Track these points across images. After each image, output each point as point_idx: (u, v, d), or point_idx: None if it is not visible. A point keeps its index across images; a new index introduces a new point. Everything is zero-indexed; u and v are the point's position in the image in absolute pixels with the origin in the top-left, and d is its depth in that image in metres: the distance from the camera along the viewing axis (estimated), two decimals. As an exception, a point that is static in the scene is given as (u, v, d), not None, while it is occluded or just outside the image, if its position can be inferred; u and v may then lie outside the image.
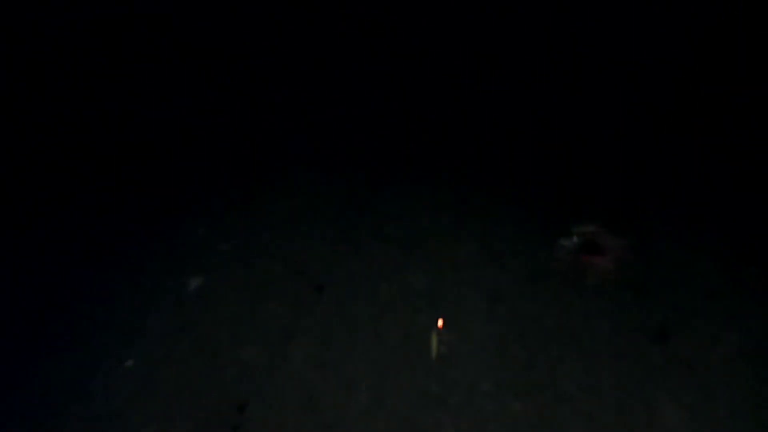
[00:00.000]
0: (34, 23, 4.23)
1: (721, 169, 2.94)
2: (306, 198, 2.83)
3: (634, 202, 2.54)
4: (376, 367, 1.90)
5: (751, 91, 3.44)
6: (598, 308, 1.99)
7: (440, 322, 1.91)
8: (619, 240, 2.17)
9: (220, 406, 1.81)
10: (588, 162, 3.01)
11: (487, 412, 1.75)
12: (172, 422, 1.77)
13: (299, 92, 3.88)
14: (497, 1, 4.18)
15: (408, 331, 1.98)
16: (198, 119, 3.74)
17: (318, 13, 4.28)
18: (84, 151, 3.53)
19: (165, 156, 3.45)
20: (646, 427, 1.68)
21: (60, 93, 3.94)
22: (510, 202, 2.50)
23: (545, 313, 1.99)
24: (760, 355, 1.84)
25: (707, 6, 3.90)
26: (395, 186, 2.84)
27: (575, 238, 2.17)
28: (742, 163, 3.06)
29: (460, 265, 2.19)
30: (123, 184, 3.25)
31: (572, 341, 1.91)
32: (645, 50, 3.83)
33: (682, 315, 1.94)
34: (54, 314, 2.17)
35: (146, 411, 1.82)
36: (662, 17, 3.95)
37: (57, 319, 2.15)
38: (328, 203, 2.71)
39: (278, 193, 2.93)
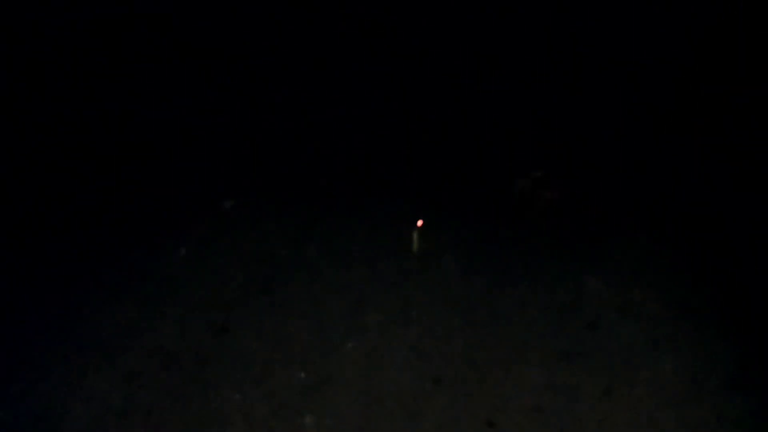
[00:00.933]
0: (34, 23, 4.24)
1: (720, 169, 3.15)
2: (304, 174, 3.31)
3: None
4: (370, 254, 2.69)
5: (751, 91, 3.45)
6: (544, 225, 2.79)
7: (419, 222, 2.63)
8: (562, 183, 2.95)
9: (254, 278, 2.58)
10: (587, 162, 3.19)
11: (452, 276, 2.58)
12: (219, 290, 2.52)
13: (299, 92, 3.91)
14: (497, 2, 4.20)
15: (396, 244, 2.72)
16: (198, 119, 3.76)
17: (318, 14, 4.30)
18: (84, 151, 3.54)
19: (165, 156, 3.48)
20: (573, 293, 2.49)
21: (60, 93, 3.96)
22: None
23: (506, 226, 2.79)
24: (663, 248, 2.67)
25: (707, 6, 3.92)
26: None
27: (529, 180, 2.94)
28: (741, 162, 3.08)
29: (445, 206, 2.95)
30: (123, 184, 3.28)
31: (523, 244, 2.70)
32: (645, 50, 3.84)
33: (607, 229, 2.77)
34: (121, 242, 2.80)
35: (199, 281, 2.57)
36: (662, 17, 3.96)
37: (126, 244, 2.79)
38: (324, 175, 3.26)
39: (278, 177, 3.32)
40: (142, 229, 2.80)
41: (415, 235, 2.65)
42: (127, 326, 2.39)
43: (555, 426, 2.08)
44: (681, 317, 2.43)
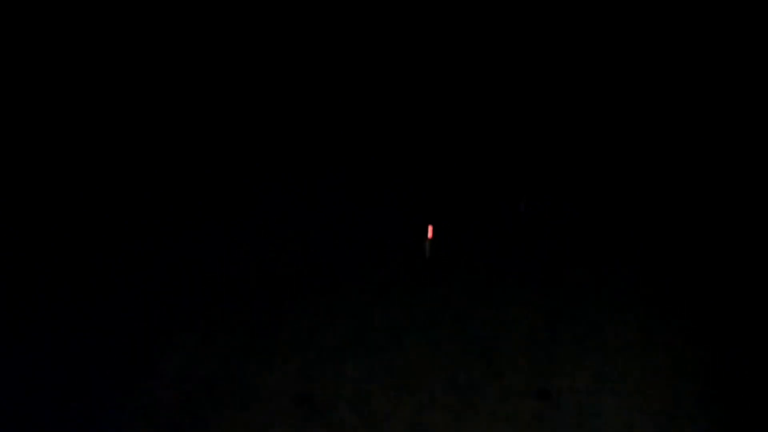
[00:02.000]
0: (33, 24, 4.35)
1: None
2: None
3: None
4: (398, 256, 4.18)
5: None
6: (535, 235, 3.86)
7: (430, 232, 3.33)
8: (558, 207, 3.57)
9: (301, 272, 3.63)
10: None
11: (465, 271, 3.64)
12: (274, 275, 3.46)
13: (299, 93, 4.22)
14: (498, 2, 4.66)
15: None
16: (198, 119, 4.03)
17: (317, 14, 4.60)
18: (84, 150, 3.75)
19: (165, 157, 3.74)
20: (555, 286, 3.78)
21: (60, 93, 4.12)
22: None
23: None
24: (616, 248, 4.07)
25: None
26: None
27: (525, 203, 3.77)
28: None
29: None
30: (123, 185, 3.52)
31: (519, 244, 3.82)
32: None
33: (580, 232, 4.25)
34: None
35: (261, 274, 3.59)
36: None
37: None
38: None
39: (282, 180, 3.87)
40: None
41: (427, 245, 3.56)
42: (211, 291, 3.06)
43: (547, 356, 2.87)
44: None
